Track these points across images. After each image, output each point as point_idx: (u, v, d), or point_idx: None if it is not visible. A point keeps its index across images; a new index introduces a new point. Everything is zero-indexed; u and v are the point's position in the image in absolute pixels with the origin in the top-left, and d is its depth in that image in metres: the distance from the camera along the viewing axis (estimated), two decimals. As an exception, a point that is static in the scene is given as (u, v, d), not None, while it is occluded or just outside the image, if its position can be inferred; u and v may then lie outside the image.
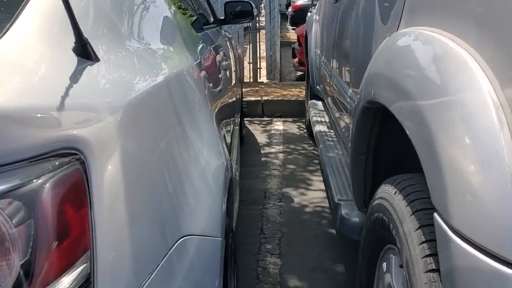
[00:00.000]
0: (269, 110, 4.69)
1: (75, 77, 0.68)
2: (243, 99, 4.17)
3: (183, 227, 0.85)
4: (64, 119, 0.58)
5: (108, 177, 0.62)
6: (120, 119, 0.68)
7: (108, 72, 0.78)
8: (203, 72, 1.47)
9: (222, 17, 2.94)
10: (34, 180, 0.52)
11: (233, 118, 2.46)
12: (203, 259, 0.89)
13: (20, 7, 0.71)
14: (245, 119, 4.17)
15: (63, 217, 0.55)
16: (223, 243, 1.01)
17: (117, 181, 0.63)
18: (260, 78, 6.08)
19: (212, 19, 2.90)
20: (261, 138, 4.03)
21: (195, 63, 1.35)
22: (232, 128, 2.33)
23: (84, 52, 0.72)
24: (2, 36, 0.65)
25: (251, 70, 6.03)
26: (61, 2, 0.64)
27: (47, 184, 0.53)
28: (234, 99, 2.68)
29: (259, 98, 4.78)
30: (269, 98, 4.81)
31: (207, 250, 0.93)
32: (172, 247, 0.78)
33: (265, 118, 4.65)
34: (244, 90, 4.76)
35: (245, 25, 6.21)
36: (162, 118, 0.90)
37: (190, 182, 0.94)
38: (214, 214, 1.00)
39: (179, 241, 0.81)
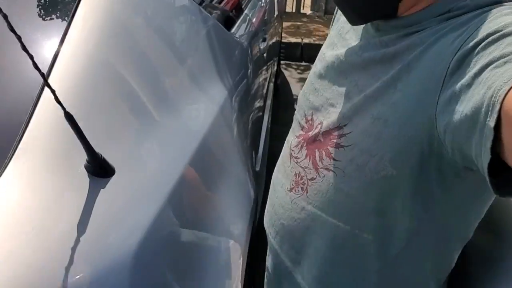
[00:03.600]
0: (309, 54, 4.43)
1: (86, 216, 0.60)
2: (282, 39, 3.93)
3: None
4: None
5: None
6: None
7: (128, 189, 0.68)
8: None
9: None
10: None
11: (268, 74, 2.32)
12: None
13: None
14: (281, 62, 3.97)
15: None
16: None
17: None
18: (303, 9, 5.69)
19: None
20: (297, 89, 3.85)
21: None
22: (267, 80, 2.22)
23: (99, 169, 0.63)
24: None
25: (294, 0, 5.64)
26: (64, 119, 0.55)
27: None
28: (272, 50, 2.51)
29: (299, 40, 4.49)
30: (311, 40, 4.52)
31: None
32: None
33: (304, 63, 4.41)
34: (284, 24, 4.49)
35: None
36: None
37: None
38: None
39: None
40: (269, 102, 2.32)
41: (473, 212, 0.64)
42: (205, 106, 0.97)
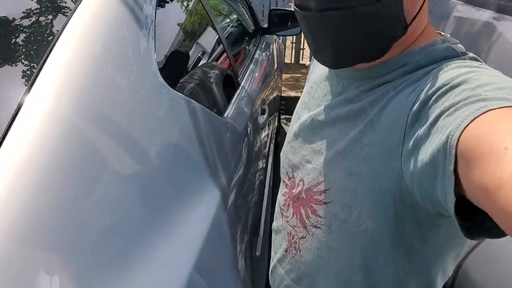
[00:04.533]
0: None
1: None
2: (282, 92, 3.86)
3: None
4: None
5: None
6: None
7: None
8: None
9: (265, 26, 2.61)
10: None
11: (269, 135, 2.19)
12: None
13: None
14: (282, 117, 3.88)
15: None
16: None
17: None
18: (302, 60, 5.67)
19: (253, 27, 2.57)
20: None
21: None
22: (268, 141, 2.08)
23: None
24: None
25: (293, 50, 5.62)
26: None
27: None
28: (273, 106, 2.40)
29: (298, 94, 4.44)
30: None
31: None
32: None
33: (304, 117, 4.29)
34: (284, 76, 4.43)
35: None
36: None
37: None
38: None
39: None
40: (270, 169, 2.18)
41: (454, 254, 0.66)
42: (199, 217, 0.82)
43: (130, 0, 0.87)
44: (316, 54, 0.64)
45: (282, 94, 3.96)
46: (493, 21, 1.39)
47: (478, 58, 0.59)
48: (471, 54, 0.59)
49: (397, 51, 0.60)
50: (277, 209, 0.79)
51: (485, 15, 1.45)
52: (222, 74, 1.46)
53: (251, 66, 2.02)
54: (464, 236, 0.47)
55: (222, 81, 1.42)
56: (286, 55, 5.56)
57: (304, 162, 0.69)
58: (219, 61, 1.51)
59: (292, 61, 5.60)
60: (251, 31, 2.56)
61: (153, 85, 0.85)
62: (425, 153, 0.48)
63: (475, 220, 0.46)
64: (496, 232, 0.45)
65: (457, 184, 0.43)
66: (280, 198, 0.77)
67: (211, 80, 1.30)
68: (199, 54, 1.36)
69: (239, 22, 2.45)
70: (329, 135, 0.65)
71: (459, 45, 0.60)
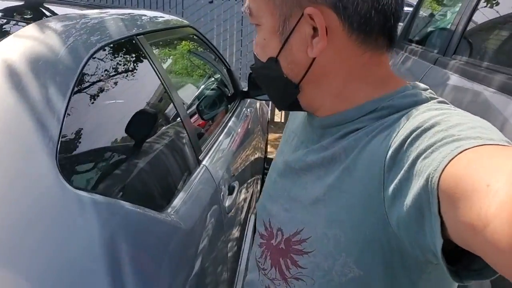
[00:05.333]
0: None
1: None
2: (267, 154, 3.65)
3: None
4: None
5: None
6: None
7: None
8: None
9: (245, 89, 2.43)
10: None
11: (247, 205, 1.93)
12: None
13: None
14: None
15: None
16: None
17: None
18: (292, 119, 5.52)
19: (232, 90, 2.39)
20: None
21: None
22: (243, 216, 1.81)
23: None
24: None
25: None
26: None
27: None
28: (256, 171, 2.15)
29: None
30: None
31: None
32: None
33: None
34: (271, 136, 4.21)
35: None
36: None
37: None
38: None
39: None
40: (247, 243, 1.91)
41: None
42: None
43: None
44: None
45: (268, 156, 3.74)
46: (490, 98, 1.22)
47: (446, 101, 0.60)
48: (440, 98, 0.60)
49: (361, 99, 0.62)
50: (252, 261, 0.76)
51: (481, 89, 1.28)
52: (174, 152, 1.22)
53: (222, 136, 1.81)
54: (452, 279, 0.46)
55: (172, 161, 1.18)
56: (276, 113, 5.41)
57: (282, 210, 0.68)
58: (171, 135, 1.27)
59: (282, 120, 5.44)
60: (229, 95, 2.37)
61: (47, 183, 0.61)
62: (408, 198, 0.47)
63: (463, 263, 0.46)
64: (485, 273, 0.45)
65: (443, 226, 0.43)
66: (256, 250, 0.74)
67: (151, 163, 1.06)
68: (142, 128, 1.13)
69: (214, 87, 2.28)
70: (306, 182, 0.65)
71: (429, 90, 0.62)
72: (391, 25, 0.60)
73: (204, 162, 1.40)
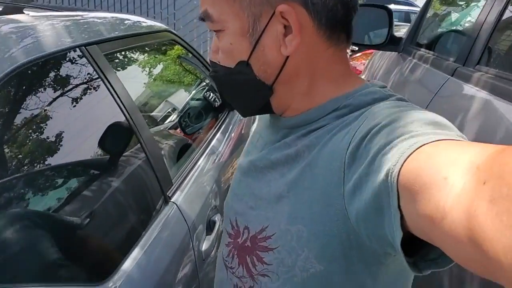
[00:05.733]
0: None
1: None
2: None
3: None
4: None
5: None
6: None
7: None
8: None
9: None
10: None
11: None
12: None
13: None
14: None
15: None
16: None
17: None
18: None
19: (220, 100, 2.14)
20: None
21: None
22: None
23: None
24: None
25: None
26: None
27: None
28: None
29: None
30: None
31: None
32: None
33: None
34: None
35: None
36: None
37: None
38: None
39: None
40: None
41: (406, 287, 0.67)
42: None
43: None
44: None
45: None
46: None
47: (405, 98, 0.61)
48: (398, 95, 0.62)
49: (322, 98, 0.63)
50: (219, 261, 0.76)
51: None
52: (126, 196, 0.97)
53: (203, 158, 1.55)
54: (411, 271, 0.47)
55: (122, 211, 0.92)
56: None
57: (247, 209, 0.69)
58: (125, 171, 1.01)
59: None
60: (216, 106, 2.12)
61: None
62: (367, 192, 0.48)
63: (420, 254, 0.47)
64: (441, 262, 0.47)
65: (402, 220, 0.44)
66: (223, 250, 0.74)
67: (86, 220, 0.80)
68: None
69: (200, 97, 2.02)
70: (270, 180, 0.66)
71: (387, 87, 0.64)
72: (351, 19, 0.63)
73: (174, 199, 1.14)
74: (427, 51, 1.86)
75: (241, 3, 0.59)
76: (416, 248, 0.46)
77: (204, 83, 2.12)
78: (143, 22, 1.57)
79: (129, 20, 1.42)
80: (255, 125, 0.83)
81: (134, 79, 1.43)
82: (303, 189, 0.60)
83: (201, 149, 1.61)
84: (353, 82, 0.64)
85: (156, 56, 1.70)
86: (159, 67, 1.78)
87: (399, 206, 0.43)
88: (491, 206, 0.32)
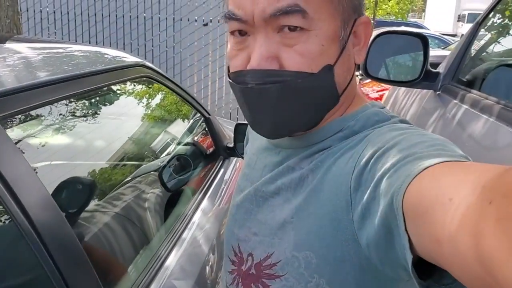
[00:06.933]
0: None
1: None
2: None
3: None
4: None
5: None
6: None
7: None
8: None
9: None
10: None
11: None
12: None
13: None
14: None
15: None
16: None
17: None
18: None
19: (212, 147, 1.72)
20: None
21: None
22: None
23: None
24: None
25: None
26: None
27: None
28: None
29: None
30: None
31: None
32: None
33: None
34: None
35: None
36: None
37: None
38: None
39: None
40: None
41: None
42: None
43: None
44: (253, 125, 0.64)
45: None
46: None
47: (407, 120, 0.61)
48: (400, 117, 0.62)
49: (329, 118, 0.63)
50: None
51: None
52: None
53: (189, 232, 1.13)
54: None
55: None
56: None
57: (250, 235, 0.66)
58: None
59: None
60: (208, 153, 1.70)
61: None
62: (376, 218, 0.47)
63: (433, 278, 0.45)
64: (455, 287, 0.45)
65: (411, 242, 0.43)
66: (226, 277, 0.71)
67: None
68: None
69: (188, 142, 1.61)
70: (274, 205, 0.64)
71: (386, 108, 0.64)
72: None
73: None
74: (483, 94, 1.43)
75: (336, 5, 0.57)
76: (430, 272, 0.45)
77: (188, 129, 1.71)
78: (104, 55, 1.16)
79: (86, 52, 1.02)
80: (247, 146, 0.77)
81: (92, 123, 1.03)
82: (308, 215, 0.59)
83: (185, 221, 1.19)
84: (357, 101, 0.64)
85: (128, 95, 1.30)
86: (133, 107, 1.38)
87: (406, 229, 0.42)
88: (498, 225, 0.32)
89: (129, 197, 1.19)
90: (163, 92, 1.44)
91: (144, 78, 1.24)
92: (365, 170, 0.51)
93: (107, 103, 1.12)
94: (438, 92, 1.71)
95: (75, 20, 5.08)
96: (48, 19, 5.12)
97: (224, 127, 2.06)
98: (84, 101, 1.05)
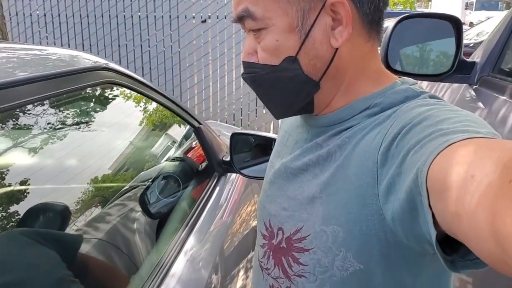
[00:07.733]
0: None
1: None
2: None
3: None
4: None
5: None
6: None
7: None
8: None
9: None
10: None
11: None
12: None
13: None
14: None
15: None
16: None
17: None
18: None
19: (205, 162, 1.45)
20: None
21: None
22: None
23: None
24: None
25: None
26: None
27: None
28: None
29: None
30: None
31: None
32: None
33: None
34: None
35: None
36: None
37: None
38: None
39: None
40: None
41: (446, 285, 0.65)
42: None
43: None
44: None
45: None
46: None
47: (436, 95, 0.60)
48: (430, 93, 0.61)
49: (347, 99, 0.63)
50: (255, 262, 0.76)
51: None
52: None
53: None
54: (448, 269, 0.47)
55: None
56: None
57: (280, 210, 0.68)
58: None
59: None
60: (199, 169, 1.43)
61: None
62: (401, 192, 0.48)
63: (459, 253, 0.46)
64: (479, 262, 0.45)
65: (434, 218, 0.43)
66: (258, 251, 0.74)
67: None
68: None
69: (176, 157, 1.34)
70: (303, 181, 0.65)
71: (417, 85, 0.63)
72: (384, 12, 0.63)
73: None
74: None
75: None
76: (455, 247, 0.45)
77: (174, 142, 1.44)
78: (61, 57, 0.89)
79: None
80: (282, 123, 0.76)
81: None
82: (336, 190, 0.60)
83: (176, 247, 0.92)
84: (385, 79, 0.64)
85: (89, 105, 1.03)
86: (100, 117, 1.11)
87: (430, 205, 0.43)
88: None
89: (109, 226, 0.95)
90: (136, 100, 1.17)
91: (107, 84, 0.97)
92: (392, 146, 0.52)
93: (50, 121, 0.84)
94: (475, 86, 1.41)
95: (67, 23, 4.82)
96: (38, 22, 4.87)
97: (223, 134, 1.79)
98: (19, 114, 0.78)
